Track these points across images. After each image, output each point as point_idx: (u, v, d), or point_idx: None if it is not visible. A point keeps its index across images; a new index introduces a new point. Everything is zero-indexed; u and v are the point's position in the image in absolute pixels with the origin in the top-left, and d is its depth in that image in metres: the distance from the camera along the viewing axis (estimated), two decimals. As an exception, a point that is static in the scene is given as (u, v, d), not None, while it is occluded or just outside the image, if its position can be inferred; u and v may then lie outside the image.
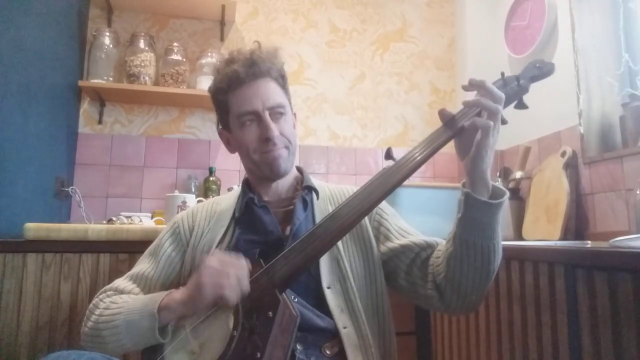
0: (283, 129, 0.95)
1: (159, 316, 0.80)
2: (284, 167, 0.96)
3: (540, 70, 0.88)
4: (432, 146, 0.82)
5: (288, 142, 0.96)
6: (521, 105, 0.88)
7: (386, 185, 0.81)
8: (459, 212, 0.80)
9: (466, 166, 0.80)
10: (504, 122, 0.84)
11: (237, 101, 0.94)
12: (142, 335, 0.80)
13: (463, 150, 0.81)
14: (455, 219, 0.82)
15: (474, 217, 0.79)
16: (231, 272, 0.77)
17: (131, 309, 0.83)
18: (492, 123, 0.77)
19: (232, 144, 1.02)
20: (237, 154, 1.04)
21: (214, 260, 0.79)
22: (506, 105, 0.86)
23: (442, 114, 0.83)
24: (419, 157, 0.81)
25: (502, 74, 0.87)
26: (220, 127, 1.04)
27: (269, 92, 0.95)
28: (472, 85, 0.81)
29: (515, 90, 0.86)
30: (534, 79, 0.88)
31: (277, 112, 0.95)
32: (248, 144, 0.94)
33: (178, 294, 0.82)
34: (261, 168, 0.96)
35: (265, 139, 0.93)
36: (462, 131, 0.80)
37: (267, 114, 0.93)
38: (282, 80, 0.99)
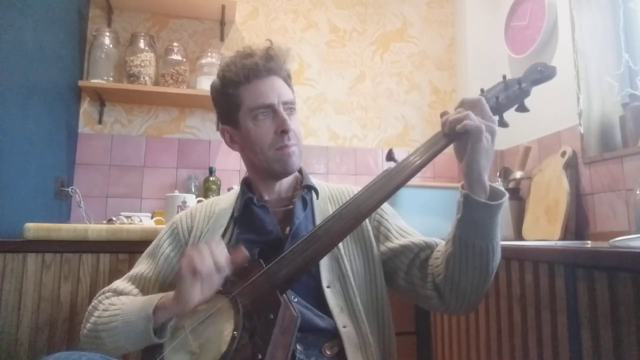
0: (294, 126, 0.96)
1: (155, 317, 0.80)
2: (297, 164, 0.96)
3: (542, 74, 0.88)
4: (434, 149, 0.82)
5: (298, 140, 0.97)
6: (522, 109, 0.88)
7: (387, 187, 0.81)
8: (458, 213, 0.81)
9: (463, 168, 0.80)
10: (505, 125, 0.84)
11: (252, 94, 0.93)
12: (138, 336, 0.80)
13: (460, 153, 0.81)
14: (454, 220, 0.82)
15: (474, 218, 0.79)
16: (203, 250, 0.78)
17: (128, 311, 0.83)
18: (482, 127, 0.76)
19: (236, 141, 1.00)
20: (236, 152, 1.03)
21: (189, 250, 0.81)
22: (507, 108, 0.87)
23: (443, 117, 0.83)
24: (420, 160, 0.82)
25: (504, 76, 0.87)
26: (221, 124, 1.02)
27: (282, 88, 0.96)
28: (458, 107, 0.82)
29: (516, 94, 0.86)
30: (536, 82, 0.88)
31: (289, 108, 0.96)
32: (263, 138, 0.93)
33: (172, 293, 0.82)
34: (272, 165, 0.94)
35: (282, 132, 0.93)
36: (457, 136, 0.80)
37: (281, 108, 0.94)
38: (290, 81, 1.01)
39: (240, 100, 0.94)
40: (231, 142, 1.02)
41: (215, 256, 0.78)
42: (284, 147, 0.93)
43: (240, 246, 0.83)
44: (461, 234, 0.80)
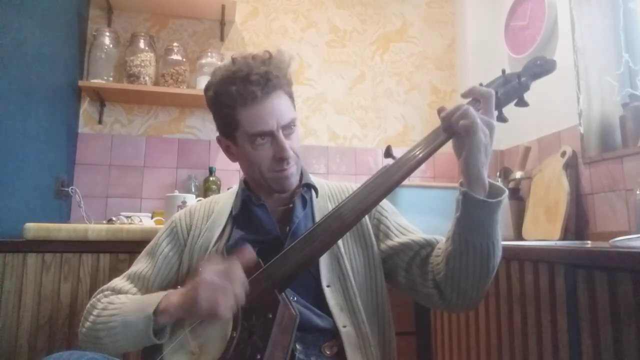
0: (293, 146, 0.93)
1: (156, 319, 0.80)
2: (295, 183, 0.95)
3: (542, 67, 0.87)
4: (432, 145, 0.81)
5: (297, 158, 0.94)
6: (522, 103, 0.87)
7: (386, 184, 0.81)
8: (458, 212, 0.80)
9: (461, 165, 0.80)
10: (504, 120, 0.83)
11: (250, 119, 0.88)
12: (138, 336, 0.81)
13: (459, 149, 0.81)
14: (453, 218, 0.82)
15: (473, 216, 0.79)
16: (228, 289, 0.74)
17: (128, 311, 0.83)
18: (477, 121, 0.75)
19: (233, 153, 0.98)
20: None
21: (211, 273, 0.77)
22: (506, 103, 0.86)
23: (441, 112, 0.83)
24: (419, 156, 0.81)
25: (503, 71, 0.87)
26: (219, 133, 0.99)
27: (282, 108, 0.91)
28: (467, 94, 0.83)
29: (516, 88, 0.85)
30: (536, 76, 0.87)
31: (289, 128, 0.92)
32: (261, 161, 0.91)
33: (175, 297, 0.81)
34: (270, 184, 0.94)
35: (280, 159, 0.90)
36: (456, 132, 0.80)
37: (281, 133, 0.90)
38: (290, 88, 0.96)
39: (237, 121, 0.90)
40: (227, 152, 1.00)
41: (238, 297, 0.75)
42: (282, 171, 0.92)
43: (247, 246, 0.82)
44: (460, 232, 0.80)
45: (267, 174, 0.92)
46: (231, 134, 0.93)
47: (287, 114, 0.91)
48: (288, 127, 0.92)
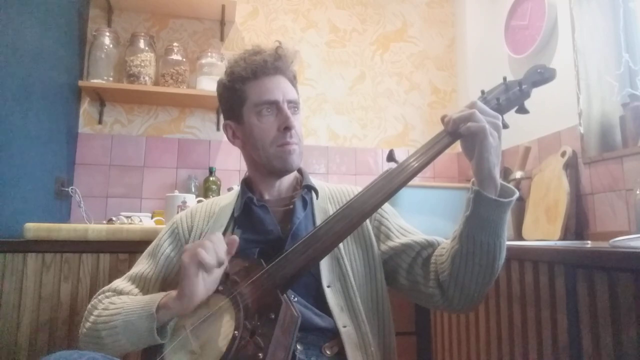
0: (297, 126, 0.97)
1: (157, 316, 0.79)
2: (296, 163, 0.97)
3: (542, 76, 0.88)
4: (434, 150, 0.82)
5: (299, 139, 0.98)
6: (522, 110, 0.88)
7: (389, 187, 0.81)
8: (467, 210, 0.80)
9: (473, 166, 0.80)
10: (505, 126, 0.84)
11: (258, 90, 0.95)
12: (140, 336, 0.80)
13: (468, 151, 0.82)
14: (462, 216, 0.82)
15: (483, 215, 0.79)
16: (205, 244, 0.78)
17: (129, 310, 0.83)
18: (485, 125, 0.76)
19: (238, 136, 1.01)
20: (237, 153, 1.03)
21: (189, 245, 0.82)
22: (507, 109, 0.87)
23: (444, 120, 0.83)
24: (421, 161, 0.82)
25: (504, 78, 0.87)
26: (224, 119, 1.03)
27: (288, 87, 0.98)
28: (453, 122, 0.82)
29: (517, 95, 0.86)
30: (536, 84, 0.88)
31: (293, 107, 0.98)
32: (265, 134, 0.95)
33: (174, 292, 0.82)
34: (272, 162, 0.95)
35: (285, 129, 0.94)
36: (461, 135, 0.80)
37: (285, 105, 0.95)
38: (295, 82, 1.03)
39: (246, 95, 0.96)
40: (233, 138, 1.02)
41: (217, 249, 0.79)
42: (285, 145, 0.94)
43: (232, 235, 0.83)
44: (469, 230, 0.80)
45: (270, 149, 0.95)
46: (238, 111, 0.97)
47: (293, 93, 0.99)
48: (293, 105, 0.98)
